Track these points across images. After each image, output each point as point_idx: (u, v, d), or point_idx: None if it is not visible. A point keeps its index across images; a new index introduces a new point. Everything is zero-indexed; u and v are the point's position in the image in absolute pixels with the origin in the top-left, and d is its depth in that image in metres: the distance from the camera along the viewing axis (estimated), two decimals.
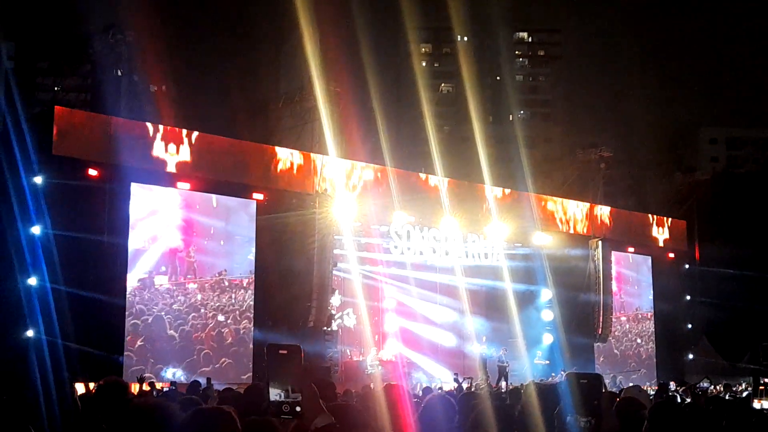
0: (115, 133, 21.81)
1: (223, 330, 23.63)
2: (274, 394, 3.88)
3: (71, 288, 19.33)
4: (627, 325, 34.77)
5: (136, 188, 22.23)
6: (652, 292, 35.69)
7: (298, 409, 3.86)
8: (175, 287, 22.87)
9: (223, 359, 23.46)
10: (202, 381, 18.79)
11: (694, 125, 76.09)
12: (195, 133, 23.50)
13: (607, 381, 28.53)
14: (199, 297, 23.28)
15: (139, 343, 22.02)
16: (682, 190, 44.73)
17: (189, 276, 23.14)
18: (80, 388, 12.50)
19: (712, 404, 9.03)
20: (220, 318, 23.63)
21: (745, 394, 19.76)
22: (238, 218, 24.35)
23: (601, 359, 33.06)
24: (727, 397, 19.47)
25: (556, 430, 3.72)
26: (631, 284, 35.18)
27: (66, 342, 18.46)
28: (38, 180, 19.70)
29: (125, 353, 21.57)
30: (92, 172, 21.12)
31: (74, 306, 19.25)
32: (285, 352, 3.99)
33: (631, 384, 24.39)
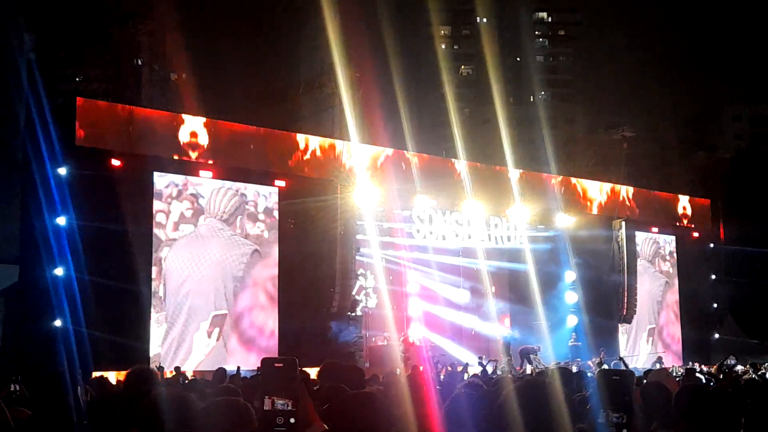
0: (136, 123, 21.92)
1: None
2: (268, 405, 3.95)
3: (96, 278, 19.51)
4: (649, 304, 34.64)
5: (159, 178, 22.38)
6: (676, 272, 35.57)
7: (292, 420, 3.92)
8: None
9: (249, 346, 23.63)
10: (228, 369, 18.89)
11: (718, 103, 75.38)
12: (216, 121, 23.59)
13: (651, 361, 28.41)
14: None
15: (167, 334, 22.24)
16: (705, 168, 44.32)
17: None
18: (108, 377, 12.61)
19: (739, 385, 9.01)
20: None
21: None
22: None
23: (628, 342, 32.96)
24: (754, 377, 19.37)
25: (586, 423, 3.79)
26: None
27: (92, 331, 18.67)
28: (62, 171, 19.86)
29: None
30: (115, 162, 21.26)
31: (100, 296, 19.43)
32: (281, 365, 4.04)
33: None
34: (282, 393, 3.95)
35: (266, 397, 3.96)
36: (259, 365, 4.12)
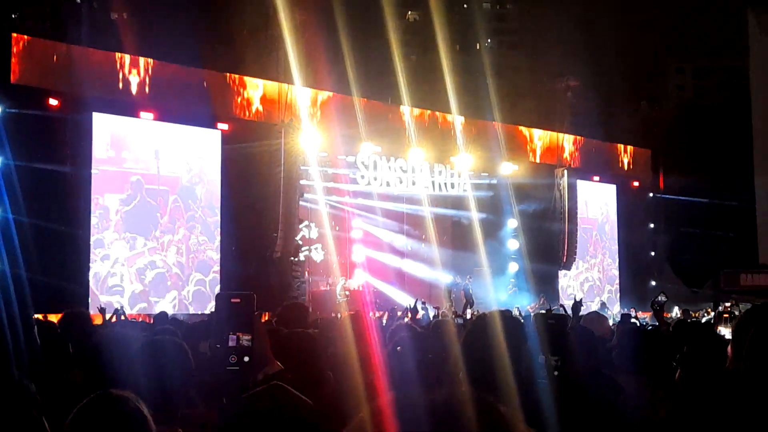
0: (75, 62, 21.37)
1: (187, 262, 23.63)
2: (233, 342, 3.77)
3: (34, 219, 19.14)
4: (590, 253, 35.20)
5: (98, 118, 21.90)
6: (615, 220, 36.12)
7: (246, 359, 3.74)
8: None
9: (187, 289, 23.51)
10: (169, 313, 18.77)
11: (662, 54, 75.98)
12: (158, 62, 23.12)
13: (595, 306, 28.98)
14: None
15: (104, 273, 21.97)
16: (648, 119, 44.91)
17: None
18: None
19: (675, 328, 9.21)
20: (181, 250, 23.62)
21: (704, 319, 20.21)
22: None
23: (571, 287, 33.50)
24: (686, 321, 19.85)
25: (523, 367, 3.85)
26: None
27: (31, 274, 18.32)
28: None
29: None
30: (53, 101, 20.74)
31: (38, 238, 19.07)
32: (238, 300, 3.86)
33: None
34: (237, 330, 3.78)
35: (230, 334, 3.78)
36: (215, 300, 3.90)
